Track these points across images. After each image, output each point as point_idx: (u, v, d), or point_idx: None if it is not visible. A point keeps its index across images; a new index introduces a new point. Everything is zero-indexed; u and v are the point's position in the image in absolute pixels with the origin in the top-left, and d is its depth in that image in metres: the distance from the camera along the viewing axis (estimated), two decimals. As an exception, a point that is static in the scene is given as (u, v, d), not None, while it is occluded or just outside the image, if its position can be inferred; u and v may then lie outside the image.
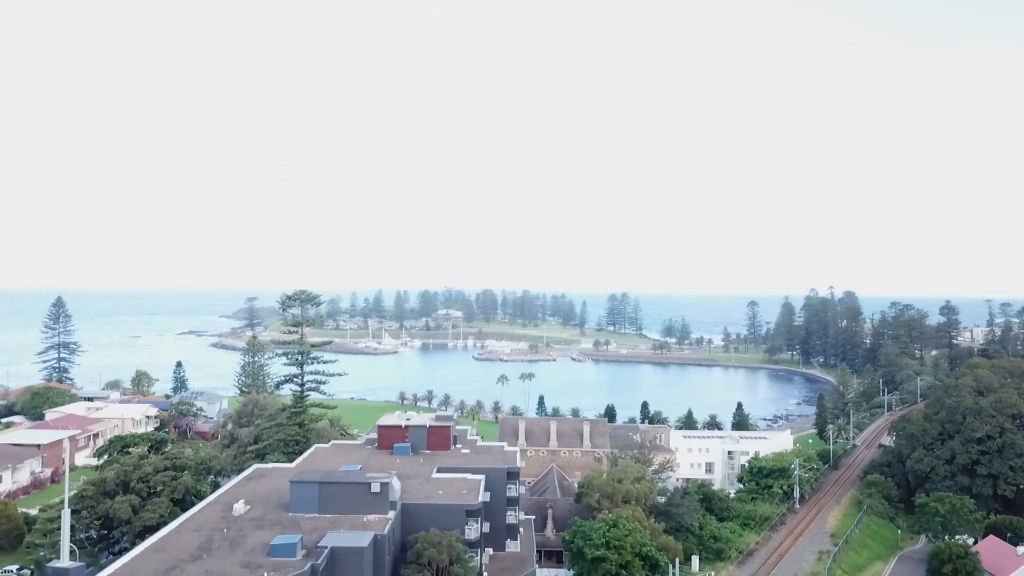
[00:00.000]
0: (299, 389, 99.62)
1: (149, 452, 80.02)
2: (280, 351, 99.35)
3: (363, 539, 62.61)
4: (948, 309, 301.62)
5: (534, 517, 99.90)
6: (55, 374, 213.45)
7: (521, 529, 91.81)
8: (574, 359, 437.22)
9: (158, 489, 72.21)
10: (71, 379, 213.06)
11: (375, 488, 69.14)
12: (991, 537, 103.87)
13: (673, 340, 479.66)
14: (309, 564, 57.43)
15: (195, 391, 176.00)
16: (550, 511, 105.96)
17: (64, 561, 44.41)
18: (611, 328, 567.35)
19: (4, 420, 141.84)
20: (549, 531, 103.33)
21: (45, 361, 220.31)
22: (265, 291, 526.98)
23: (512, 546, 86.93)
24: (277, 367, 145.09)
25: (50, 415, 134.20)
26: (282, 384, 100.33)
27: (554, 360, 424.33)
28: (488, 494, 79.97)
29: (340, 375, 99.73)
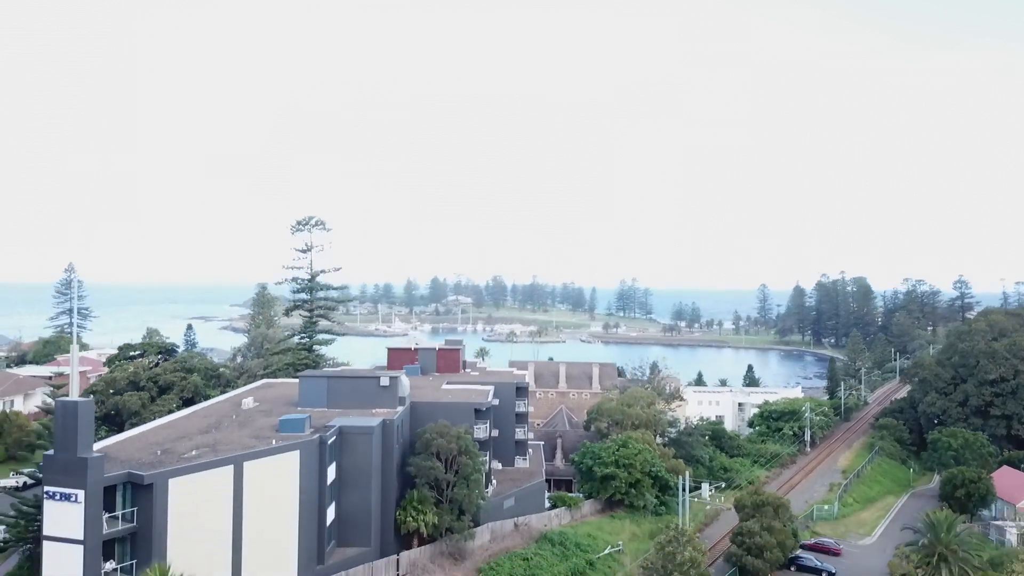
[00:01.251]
0: (308, 315, 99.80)
1: (159, 360, 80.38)
2: (289, 278, 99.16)
3: (372, 421, 62.65)
4: (961, 283, 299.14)
5: (543, 443, 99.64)
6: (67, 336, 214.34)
7: (530, 449, 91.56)
8: (583, 341, 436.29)
9: (168, 388, 72.41)
10: (84, 342, 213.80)
11: (384, 382, 68.99)
12: (1005, 467, 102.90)
13: (683, 323, 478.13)
14: (318, 435, 57.46)
15: (206, 348, 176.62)
16: (559, 441, 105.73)
17: (74, 396, 44.47)
18: (621, 314, 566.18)
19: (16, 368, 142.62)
20: (558, 461, 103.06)
21: (57, 326, 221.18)
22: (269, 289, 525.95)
23: (521, 462, 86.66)
24: (285, 322, 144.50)
25: (61, 358, 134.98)
26: (291, 311, 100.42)
27: (563, 342, 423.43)
28: (497, 400, 79.72)
29: (349, 301, 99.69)
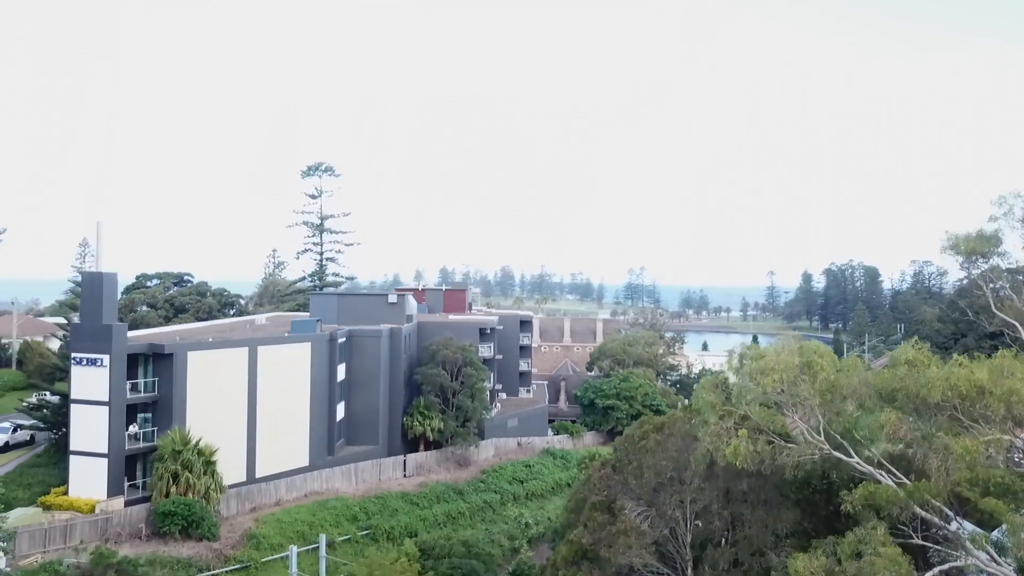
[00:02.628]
0: (318, 258, 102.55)
1: (174, 287, 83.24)
2: (300, 222, 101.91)
3: (382, 327, 65.33)
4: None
5: (547, 382, 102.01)
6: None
7: (534, 384, 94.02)
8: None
9: (183, 309, 75.38)
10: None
11: (392, 299, 71.60)
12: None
13: (691, 311, 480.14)
14: (329, 332, 60.11)
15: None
16: (563, 383, 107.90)
17: (99, 267, 47.10)
18: (629, 303, 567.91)
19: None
20: (562, 403, 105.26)
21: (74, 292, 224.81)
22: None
23: (524, 394, 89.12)
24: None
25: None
26: (301, 254, 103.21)
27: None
28: (501, 327, 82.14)
29: (358, 244, 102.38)
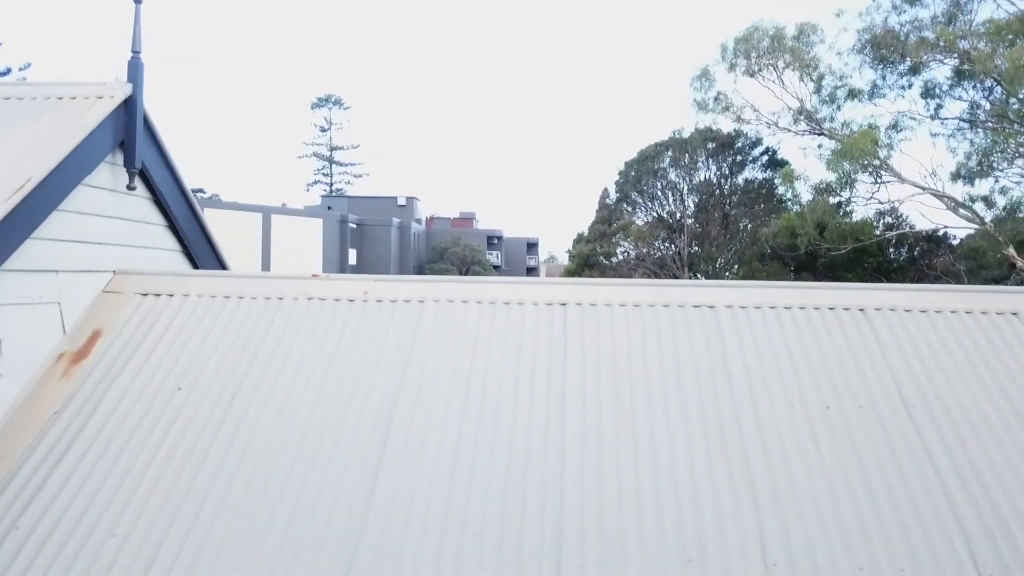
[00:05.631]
0: (328, 189, 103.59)
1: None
2: (309, 153, 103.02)
3: (393, 219, 66.70)
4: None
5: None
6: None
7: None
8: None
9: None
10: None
11: (401, 201, 72.96)
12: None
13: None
14: (340, 214, 61.45)
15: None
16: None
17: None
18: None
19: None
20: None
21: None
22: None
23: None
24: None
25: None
26: (311, 186, 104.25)
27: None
28: (509, 240, 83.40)
29: (367, 175, 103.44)
